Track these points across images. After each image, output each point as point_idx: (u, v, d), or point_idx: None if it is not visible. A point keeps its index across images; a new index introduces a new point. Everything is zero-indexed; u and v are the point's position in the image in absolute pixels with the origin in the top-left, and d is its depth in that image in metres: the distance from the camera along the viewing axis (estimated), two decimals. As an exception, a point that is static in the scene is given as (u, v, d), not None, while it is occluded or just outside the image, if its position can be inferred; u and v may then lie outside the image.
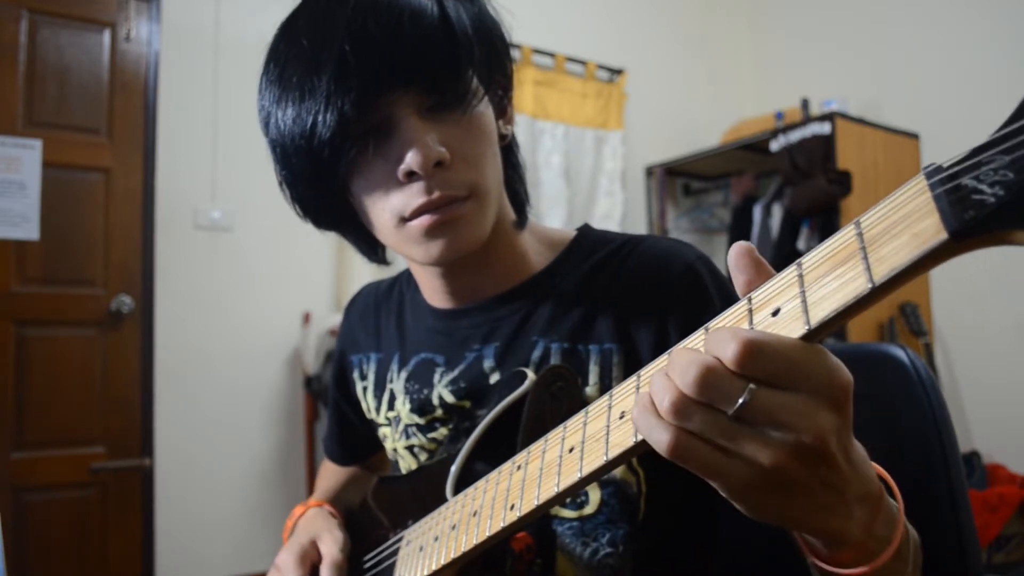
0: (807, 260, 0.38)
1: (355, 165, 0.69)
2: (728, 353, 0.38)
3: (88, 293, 2.65)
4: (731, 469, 0.40)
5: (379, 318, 0.96)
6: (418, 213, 0.68)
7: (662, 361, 0.47)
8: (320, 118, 0.64)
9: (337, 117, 0.64)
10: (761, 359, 0.37)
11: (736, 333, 0.38)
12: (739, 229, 3.69)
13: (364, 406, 0.95)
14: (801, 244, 3.19)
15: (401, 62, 0.65)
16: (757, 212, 3.57)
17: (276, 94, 0.69)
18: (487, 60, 0.71)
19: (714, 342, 0.39)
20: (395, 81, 0.65)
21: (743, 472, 0.39)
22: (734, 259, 0.43)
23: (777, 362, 0.38)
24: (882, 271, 0.33)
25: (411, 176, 0.67)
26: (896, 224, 0.33)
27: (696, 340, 0.44)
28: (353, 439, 1.05)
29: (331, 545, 0.83)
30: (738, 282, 0.43)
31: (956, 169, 0.31)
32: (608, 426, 0.50)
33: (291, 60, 0.68)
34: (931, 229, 0.31)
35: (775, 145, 3.26)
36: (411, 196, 0.67)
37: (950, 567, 0.81)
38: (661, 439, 0.41)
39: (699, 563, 0.80)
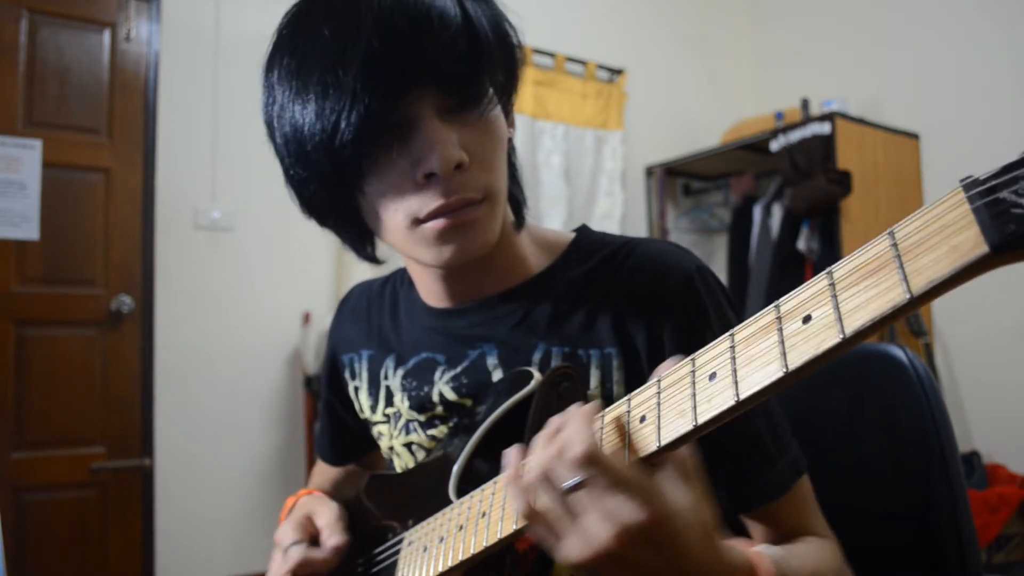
0: (838, 269, 0.38)
1: (373, 165, 0.67)
2: (570, 452, 0.48)
3: (88, 293, 2.64)
4: (565, 543, 0.51)
5: (371, 317, 0.95)
6: (434, 215, 0.67)
7: (686, 365, 0.47)
8: (344, 116, 0.62)
9: (363, 115, 0.62)
10: (592, 469, 0.48)
11: (584, 440, 0.48)
12: (739, 229, 3.69)
13: (357, 406, 0.94)
14: (801, 244, 3.20)
15: (428, 61, 0.64)
16: (757, 212, 3.58)
17: (293, 88, 0.66)
18: (503, 63, 0.71)
19: (565, 435, 0.50)
20: (421, 80, 0.64)
21: (575, 546, 0.50)
22: None
23: (605, 476, 0.48)
24: (920, 282, 0.33)
25: (430, 178, 0.66)
26: (933, 235, 0.33)
27: (716, 347, 0.45)
28: (346, 439, 1.03)
29: (326, 515, 0.83)
30: None
31: (994, 182, 0.31)
32: (629, 431, 0.50)
33: (310, 53, 0.65)
34: (970, 242, 0.31)
35: (775, 145, 3.26)
36: (428, 198, 0.66)
37: (950, 567, 0.81)
38: (518, 506, 0.53)
39: None
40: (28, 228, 2.45)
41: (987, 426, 3.06)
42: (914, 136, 3.37)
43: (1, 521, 0.98)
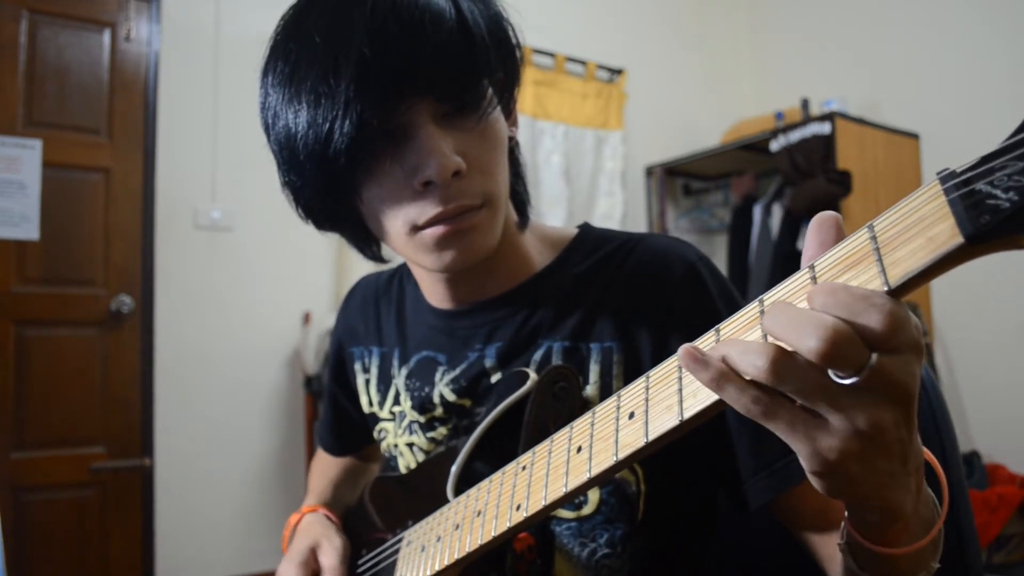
0: (820, 263, 0.38)
1: (369, 172, 0.67)
2: (871, 321, 0.34)
3: (88, 293, 2.65)
4: (821, 433, 0.38)
5: (379, 311, 0.95)
6: (433, 222, 0.67)
7: (673, 361, 0.47)
8: (337, 125, 0.61)
9: (356, 124, 0.61)
10: (904, 330, 0.35)
11: (873, 300, 0.34)
12: (739, 229, 3.68)
13: (365, 399, 0.94)
14: (801, 244, 3.19)
15: (422, 68, 0.63)
16: (757, 212, 3.57)
17: (286, 96, 0.65)
18: (502, 65, 0.69)
19: (841, 303, 0.35)
20: (415, 88, 0.63)
21: (833, 438, 0.37)
22: (821, 222, 0.40)
23: (908, 330, 0.35)
24: (897, 274, 0.33)
25: (427, 185, 0.65)
26: (910, 228, 0.33)
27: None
28: (349, 429, 1.04)
29: (330, 555, 0.83)
30: (812, 243, 0.41)
31: (970, 174, 0.31)
32: (617, 426, 0.50)
33: (303, 59, 0.64)
34: (946, 233, 0.31)
35: (775, 145, 3.26)
36: (426, 205, 0.66)
37: (950, 567, 0.81)
38: (749, 405, 0.39)
39: (697, 564, 0.80)
40: (28, 228, 2.45)
41: (987, 426, 3.06)
42: (914, 136, 3.36)
43: (1, 521, 0.98)
